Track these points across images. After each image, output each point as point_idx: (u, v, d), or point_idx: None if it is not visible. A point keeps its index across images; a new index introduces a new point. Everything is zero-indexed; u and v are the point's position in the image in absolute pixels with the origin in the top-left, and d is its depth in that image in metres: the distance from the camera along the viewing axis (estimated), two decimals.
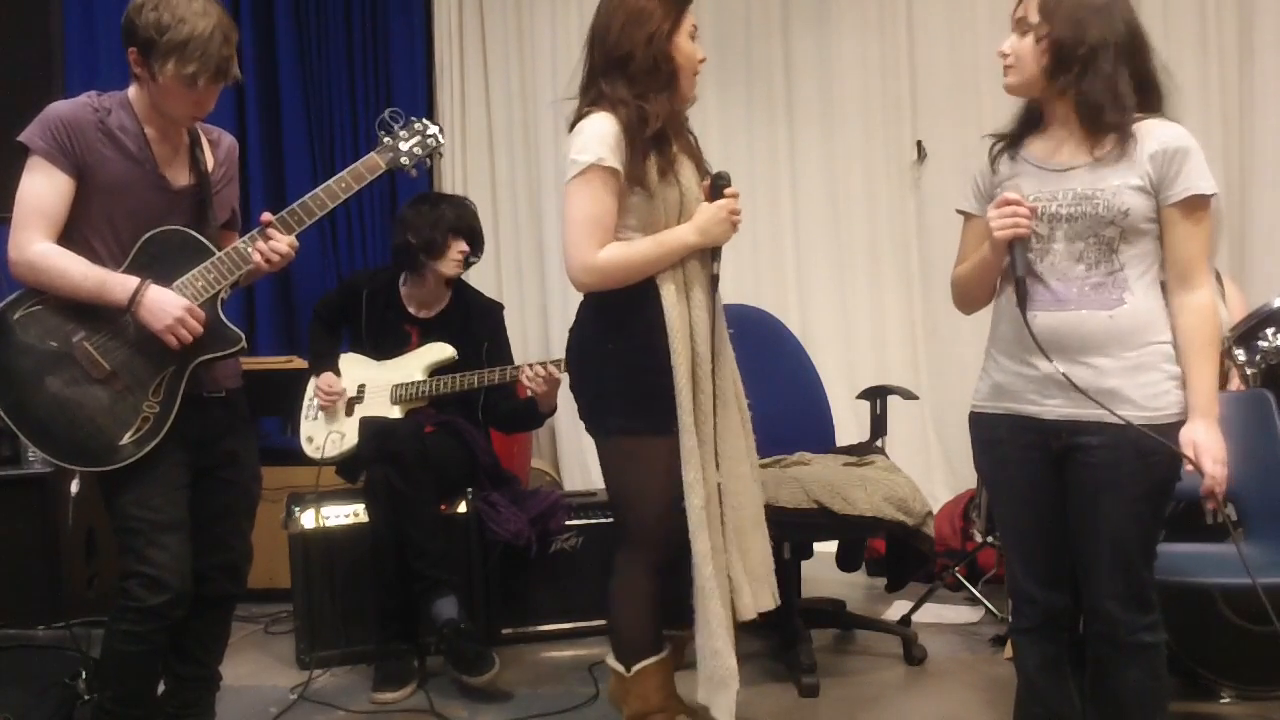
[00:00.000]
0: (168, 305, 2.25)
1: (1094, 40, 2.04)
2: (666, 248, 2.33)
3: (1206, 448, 2.01)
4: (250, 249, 2.35)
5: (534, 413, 3.41)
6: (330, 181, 2.45)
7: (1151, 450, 2.01)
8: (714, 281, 2.39)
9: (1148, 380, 2.04)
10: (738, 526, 2.42)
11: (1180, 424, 2.05)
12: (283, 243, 2.35)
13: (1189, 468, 2.04)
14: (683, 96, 2.41)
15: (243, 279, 2.40)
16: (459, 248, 3.45)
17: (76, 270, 2.24)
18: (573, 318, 2.48)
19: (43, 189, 2.24)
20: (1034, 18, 2.09)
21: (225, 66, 2.25)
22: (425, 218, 3.45)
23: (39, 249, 2.24)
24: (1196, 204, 2.02)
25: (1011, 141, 2.20)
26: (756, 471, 2.52)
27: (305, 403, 3.52)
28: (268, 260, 2.35)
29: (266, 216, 2.38)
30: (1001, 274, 2.17)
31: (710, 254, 2.38)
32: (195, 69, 2.20)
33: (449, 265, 3.45)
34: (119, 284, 2.26)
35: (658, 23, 2.32)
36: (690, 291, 2.35)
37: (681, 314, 2.33)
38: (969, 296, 2.28)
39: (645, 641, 2.43)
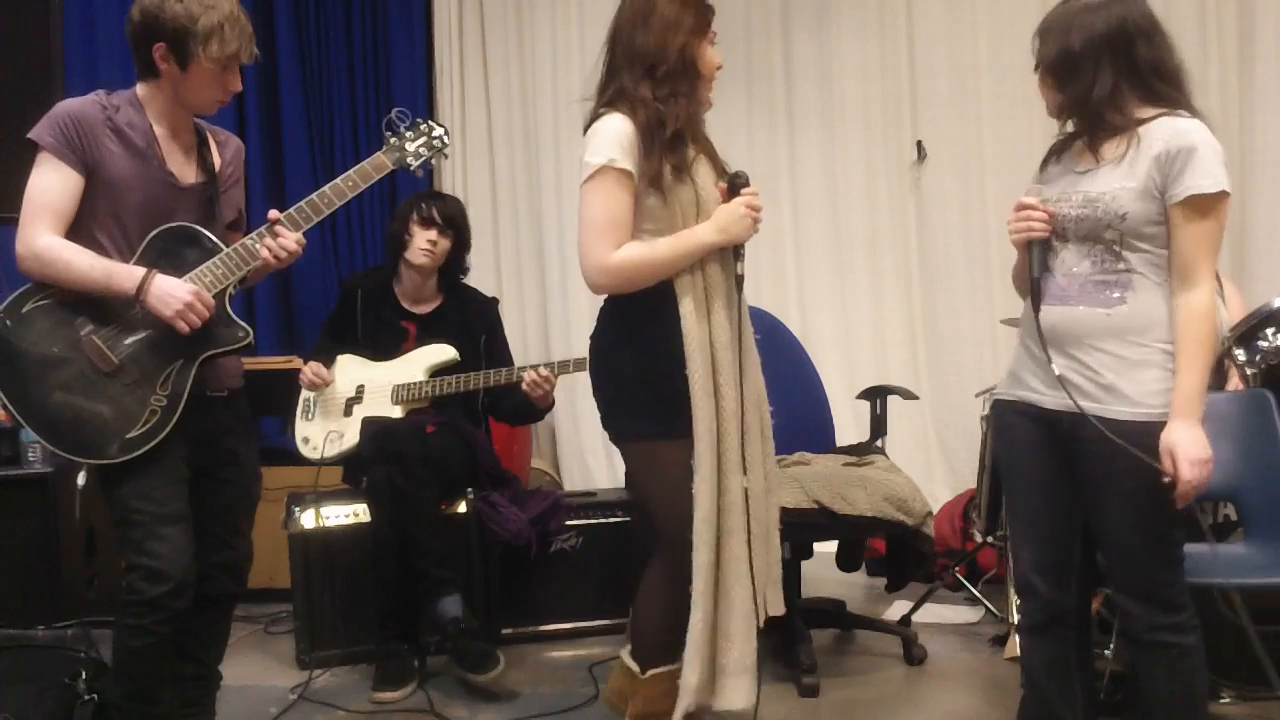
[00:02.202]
0: (176, 291, 2.26)
1: (1075, 47, 2.06)
2: (684, 247, 2.29)
3: (1183, 450, 1.98)
4: (258, 245, 2.36)
5: (534, 409, 3.45)
6: (338, 180, 2.47)
7: (1148, 447, 2.00)
8: (739, 282, 2.35)
9: (1145, 377, 2.05)
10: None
11: None
12: (290, 239, 2.37)
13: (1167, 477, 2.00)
14: (700, 101, 2.39)
15: (251, 275, 2.41)
16: (426, 236, 3.45)
17: (84, 262, 2.25)
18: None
19: (51, 184, 2.26)
20: (1036, 42, 2.15)
21: (252, 43, 2.33)
22: (402, 210, 3.55)
23: (46, 242, 2.24)
24: (1199, 204, 2.00)
25: (1067, 143, 2.22)
26: (774, 480, 2.48)
27: (300, 402, 3.52)
28: (276, 256, 2.36)
29: (274, 214, 2.39)
30: None
31: (733, 255, 2.34)
32: (237, 46, 2.28)
33: (415, 254, 3.46)
34: (126, 274, 2.27)
35: (689, 32, 2.30)
36: (711, 299, 2.31)
37: (700, 323, 2.28)
38: (1018, 288, 2.33)
39: (663, 648, 2.39)
